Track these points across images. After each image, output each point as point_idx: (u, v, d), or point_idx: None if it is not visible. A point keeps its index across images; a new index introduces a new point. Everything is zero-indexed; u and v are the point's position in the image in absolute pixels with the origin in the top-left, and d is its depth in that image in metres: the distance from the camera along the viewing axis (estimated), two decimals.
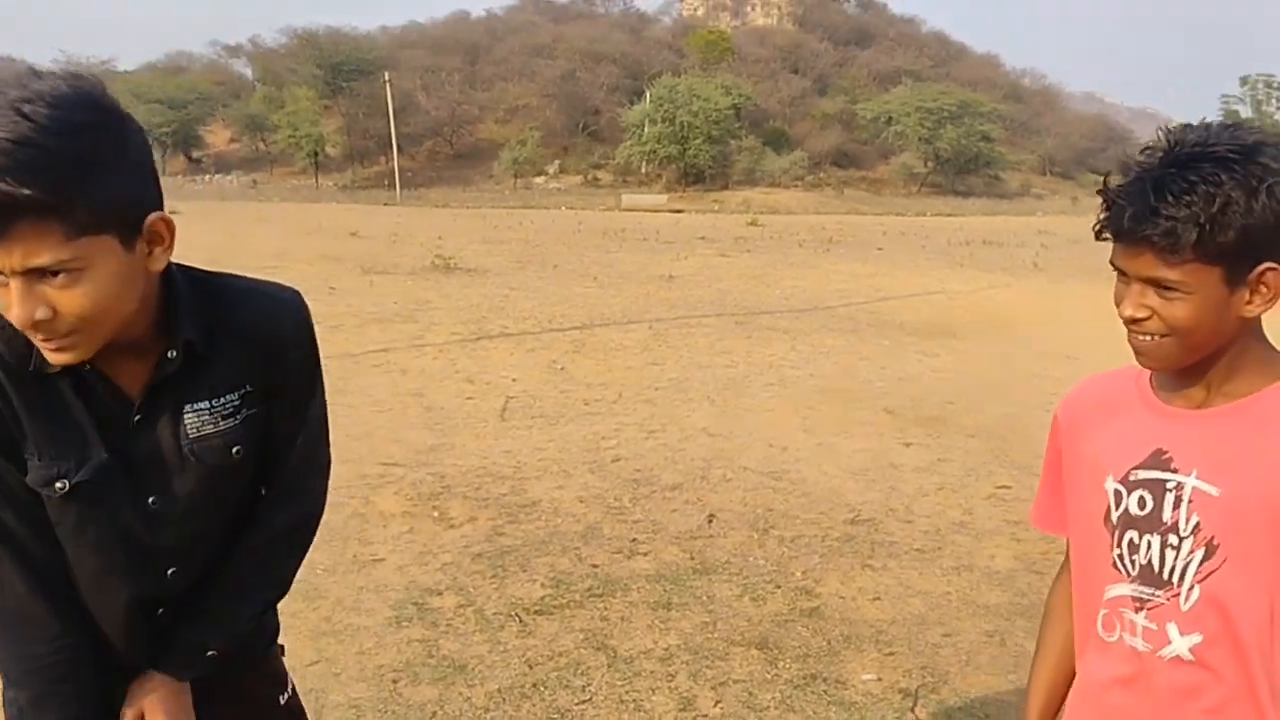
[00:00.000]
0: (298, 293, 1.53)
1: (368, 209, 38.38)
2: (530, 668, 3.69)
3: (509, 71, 68.64)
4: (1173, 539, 1.34)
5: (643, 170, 60.51)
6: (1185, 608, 1.34)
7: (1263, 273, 1.27)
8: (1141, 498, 1.38)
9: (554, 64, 67.11)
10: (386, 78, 55.85)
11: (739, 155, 56.88)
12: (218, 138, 69.18)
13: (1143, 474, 1.38)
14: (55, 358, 1.26)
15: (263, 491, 1.56)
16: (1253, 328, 1.35)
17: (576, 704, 3.45)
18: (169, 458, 1.39)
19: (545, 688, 3.55)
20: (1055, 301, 15.04)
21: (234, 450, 1.44)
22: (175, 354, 1.37)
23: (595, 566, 4.66)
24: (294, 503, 1.59)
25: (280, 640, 1.72)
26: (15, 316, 1.20)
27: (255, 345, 1.44)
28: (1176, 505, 1.35)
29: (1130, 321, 1.33)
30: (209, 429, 1.40)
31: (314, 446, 1.60)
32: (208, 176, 62.04)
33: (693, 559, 4.78)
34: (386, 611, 4.13)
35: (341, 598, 4.24)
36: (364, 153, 62.69)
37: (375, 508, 5.36)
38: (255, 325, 1.45)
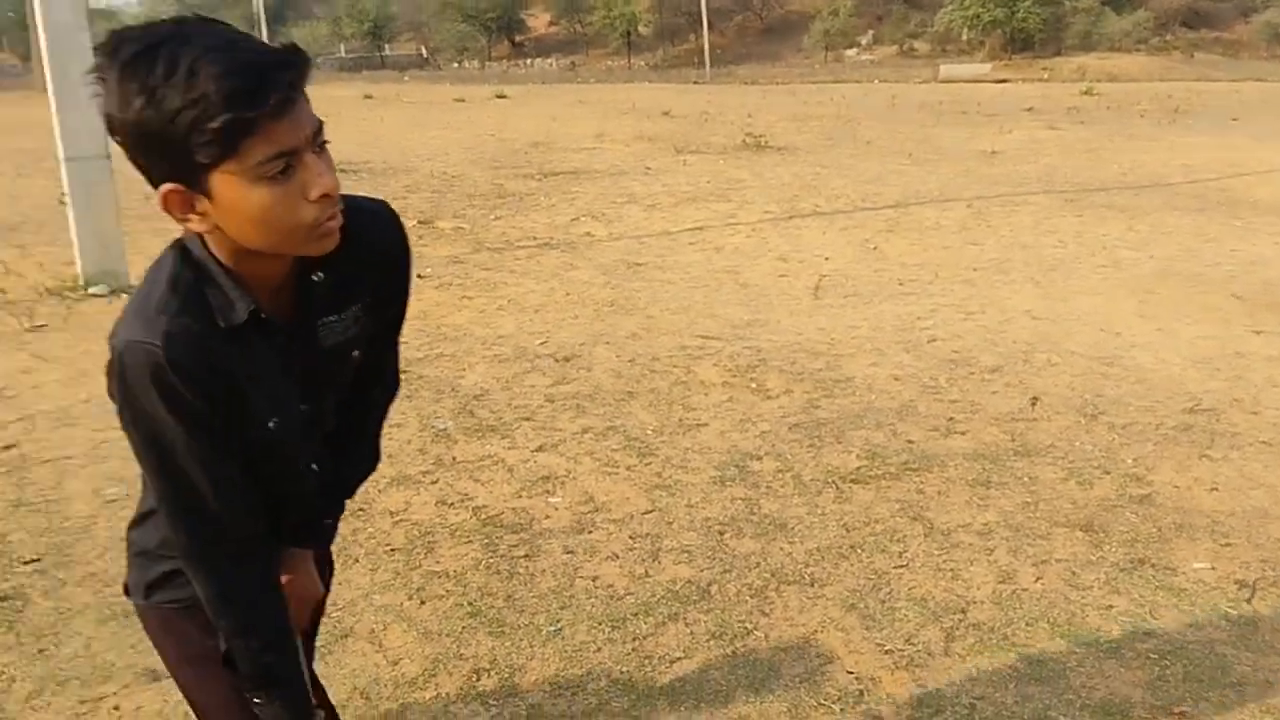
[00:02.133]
0: (388, 204, 1.57)
1: (678, 88, 38.75)
2: (847, 531, 3.84)
3: None
4: None
5: (964, 38, 56.90)
6: None
7: None
8: None
9: None
10: None
11: (1074, 17, 52.04)
12: (538, 21, 71.72)
13: None
14: (330, 241, 1.34)
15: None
16: None
17: (894, 568, 3.57)
18: (311, 368, 1.49)
19: (863, 550, 3.69)
20: None
21: (354, 354, 1.55)
22: (321, 275, 1.43)
23: (911, 442, 4.70)
24: (389, 391, 1.78)
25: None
26: (328, 182, 1.27)
27: (374, 262, 1.52)
28: None
29: None
30: (338, 338, 1.49)
31: (395, 346, 1.76)
32: (530, 60, 64.66)
33: (1013, 440, 4.71)
34: (711, 471, 4.40)
35: (670, 456, 4.56)
36: (674, 31, 62.98)
37: (696, 377, 5.64)
38: (372, 244, 1.50)
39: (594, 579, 3.52)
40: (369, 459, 1.80)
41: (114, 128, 1.22)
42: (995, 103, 27.46)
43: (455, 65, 65.59)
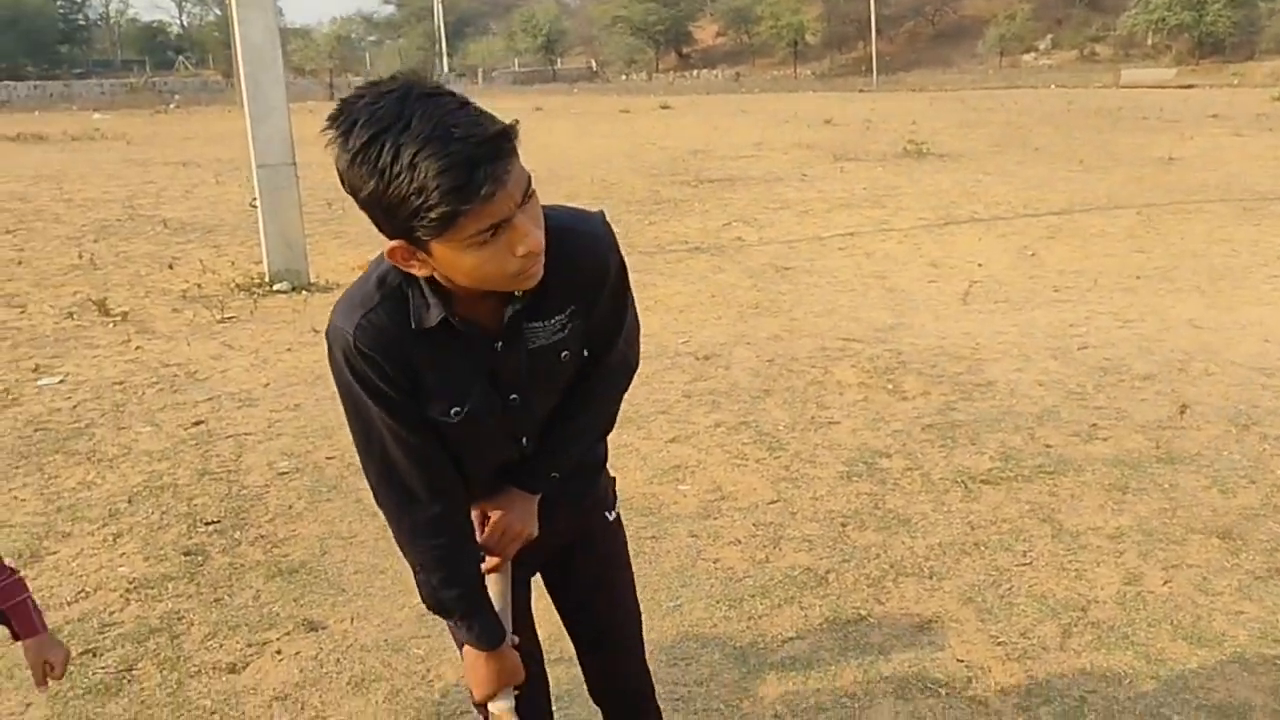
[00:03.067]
0: (603, 218, 1.70)
1: (843, 96, 38.39)
2: (972, 529, 3.86)
3: None
4: None
5: (1149, 42, 54.29)
6: None
7: None
8: None
9: None
10: None
11: (1269, 19, 48.95)
12: (705, 33, 72.25)
13: None
14: (530, 282, 1.51)
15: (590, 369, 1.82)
16: None
17: (1016, 565, 3.57)
18: (519, 367, 1.66)
19: (986, 548, 3.71)
20: None
21: (562, 355, 1.69)
22: (522, 293, 1.58)
23: (1048, 446, 4.65)
24: (618, 371, 1.86)
25: (612, 473, 2.08)
26: (534, 241, 1.43)
27: (578, 275, 1.64)
28: None
29: None
30: (543, 342, 1.66)
31: (631, 336, 1.84)
32: (695, 72, 65.19)
33: (1157, 448, 4.60)
34: (838, 466, 4.47)
35: (799, 451, 4.65)
36: (842, 39, 62.34)
37: (833, 377, 5.71)
38: (578, 258, 1.63)
39: (715, 561, 3.66)
40: (593, 429, 1.90)
41: (349, 191, 1.41)
42: (1178, 109, 26.17)
43: (623, 77, 66.76)
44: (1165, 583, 3.44)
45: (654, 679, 2.92)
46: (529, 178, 1.42)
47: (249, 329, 7.18)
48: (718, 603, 3.38)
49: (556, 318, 1.64)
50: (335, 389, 1.66)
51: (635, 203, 12.43)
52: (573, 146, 19.36)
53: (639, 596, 3.25)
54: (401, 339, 1.55)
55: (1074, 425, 4.90)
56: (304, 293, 8.29)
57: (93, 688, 3.02)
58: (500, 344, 1.62)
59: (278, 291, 8.30)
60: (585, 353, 1.77)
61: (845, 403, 5.30)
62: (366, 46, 78.05)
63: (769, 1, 61.05)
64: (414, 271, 1.49)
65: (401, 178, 1.33)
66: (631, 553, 3.69)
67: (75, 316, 7.53)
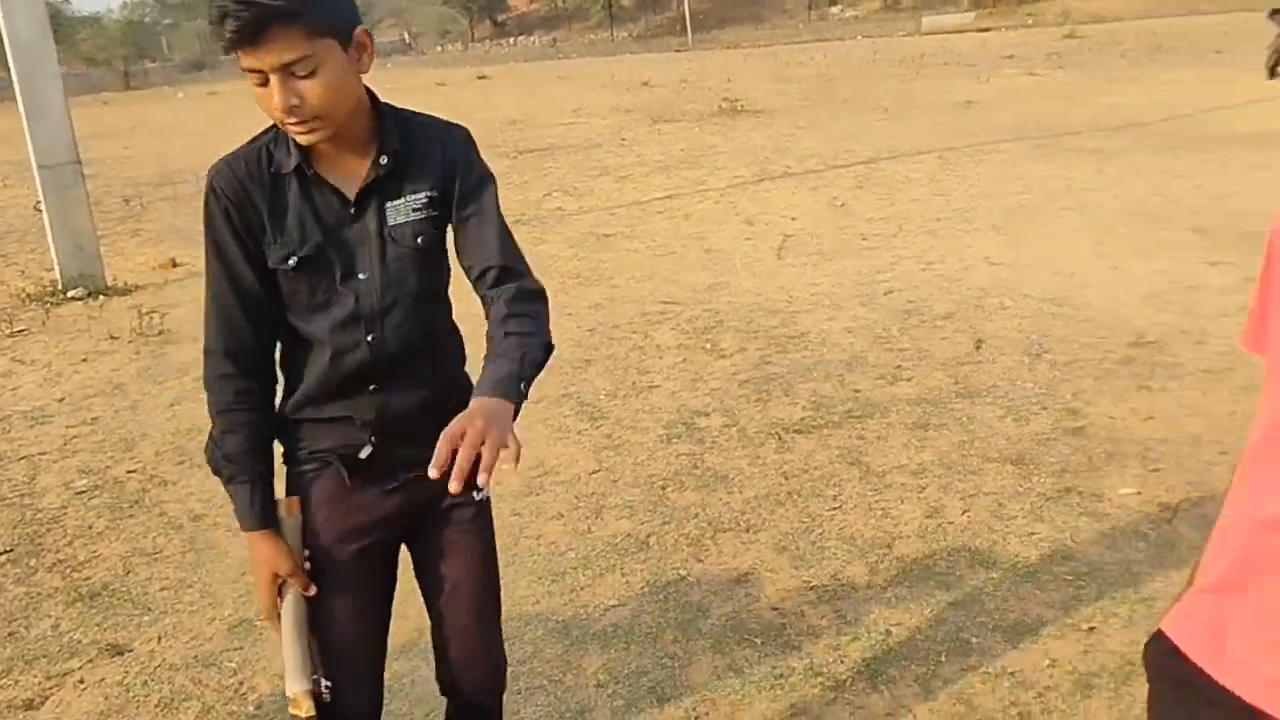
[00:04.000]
0: (467, 129, 1.88)
1: (659, 57, 38.64)
2: (786, 479, 3.98)
3: None
4: None
5: None
6: None
7: None
8: None
9: None
10: None
11: None
12: (519, 0, 71.37)
13: None
14: (304, 138, 1.67)
15: (480, 285, 1.83)
16: None
17: (827, 510, 3.71)
18: (374, 241, 1.78)
19: (799, 496, 3.83)
20: None
21: (418, 238, 1.79)
22: (386, 159, 1.76)
23: (857, 391, 4.83)
24: (516, 279, 1.82)
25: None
26: (276, 104, 1.61)
27: (438, 160, 1.81)
28: None
29: None
30: (401, 219, 1.78)
31: (503, 236, 1.84)
32: (512, 39, 64.42)
33: (957, 383, 4.84)
34: (659, 430, 4.53)
35: (621, 418, 4.69)
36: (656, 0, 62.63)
37: (653, 341, 5.77)
38: (438, 145, 1.82)
39: (538, 538, 3.66)
40: (537, 333, 1.80)
41: None
42: (976, 52, 27.42)
43: (438, 49, 65.38)
44: (964, 512, 3.63)
45: None
46: (302, 55, 1.59)
47: (41, 341, 6.74)
48: (540, 578, 3.39)
49: (412, 197, 1.78)
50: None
51: None
52: None
53: None
54: (258, 181, 1.74)
55: (880, 369, 5.10)
56: (100, 298, 7.83)
57: None
58: (354, 210, 1.76)
59: (72, 299, 7.81)
60: (471, 270, 1.82)
61: (665, 366, 5.37)
62: (163, 30, 73.89)
63: None
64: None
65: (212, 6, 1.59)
66: None
67: None
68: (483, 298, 1.83)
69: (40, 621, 3.37)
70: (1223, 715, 1.17)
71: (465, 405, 1.73)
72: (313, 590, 1.85)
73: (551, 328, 1.85)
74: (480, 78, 32.16)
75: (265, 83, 1.61)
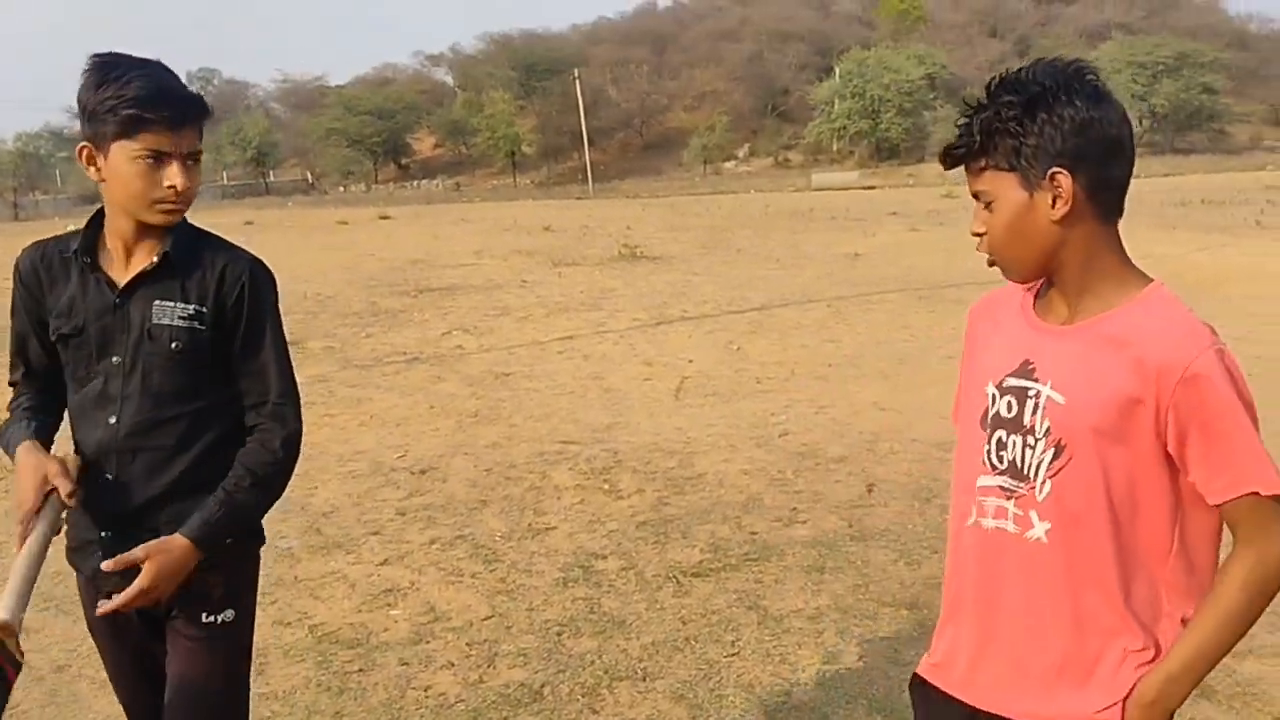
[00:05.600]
0: (262, 262, 2.03)
1: (561, 204, 39.55)
2: (684, 624, 3.91)
3: (696, 58, 69.07)
4: (1030, 439, 1.53)
5: (834, 148, 59.67)
6: (1040, 498, 1.52)
7: (1052, 176, 1.46)
8: (1009, 402, 1.56)
9: (741, 47, 67.11)
10: (576, 74, 57.27)
11: (934, 126, 55.16)
12: (423, 144, 72.76)
13: (1012, 381, 1.57)
14: (172, 219, 1.91)
15: (250, 415, 2.03)
16: (1104, 244, 1.53)
17: (725, 656, 3.65)
18: (132, 333, 1.92)
19: (697, 642, 3.76)
20: (1276, 261, 13.99)
21: (173, 344, 1.92)
22: (157, 259, 1.92)
23: (754, 534, 4.83)
24: (273, 422, 2.00)
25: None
26: (182, 182, 1.86)
27: (215, 281, 1.95)
28: (1035, 410, 1.53)
29: (976, 238, 1.57)
30: (165, 320, 1.92)
31: (273, 374, 2.01)
32: (415, 182, 65.33)
33: (851, 526, 4.88)
34: (555, 573, 4.44)
35: (516, 561, 4.59)
36: (558, 149, 64.53)
37: (551, 481, 5.72)
38: (222, 267, 1.97)
39: (426, 689, 3.51)
40: (258, 487, 1.97)
41: (79, 107, 1.85)
42: (862, 208, 28.76)
43: (341, 189, 65.83)
44: (860, 658, 3.61)
45: None
46: (199, 149, 1.91)
47: None
48: None
49: (182, 305, 1.92)
50: None
51: (352, 315, 12.15)
52: (286, 261, 18.71)
53: None
54: (51, 260, 1.98)
55: (776, 511, 5.13)
56: None
57: None
58: (118, 299, 1.92)
59: None
60: (245, 399, 2.00)
61: (562, 506, 5.30)
62: (57, 163, 72.82)
63: (485, 115, 62.40)
64: (90, 175, 1.88)
65: (117, 83, 1.81)
66: (335, 690, 3.51)
67: None
68: (249, 413, 2.02)
69: None
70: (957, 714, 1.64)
71: None
72: (74, 500, 1.86)
73: (287, 479, 2.03)
74: (383, 217, 32.36)
75: (156, 162, 1.84)
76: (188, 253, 1.95)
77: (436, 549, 4.76)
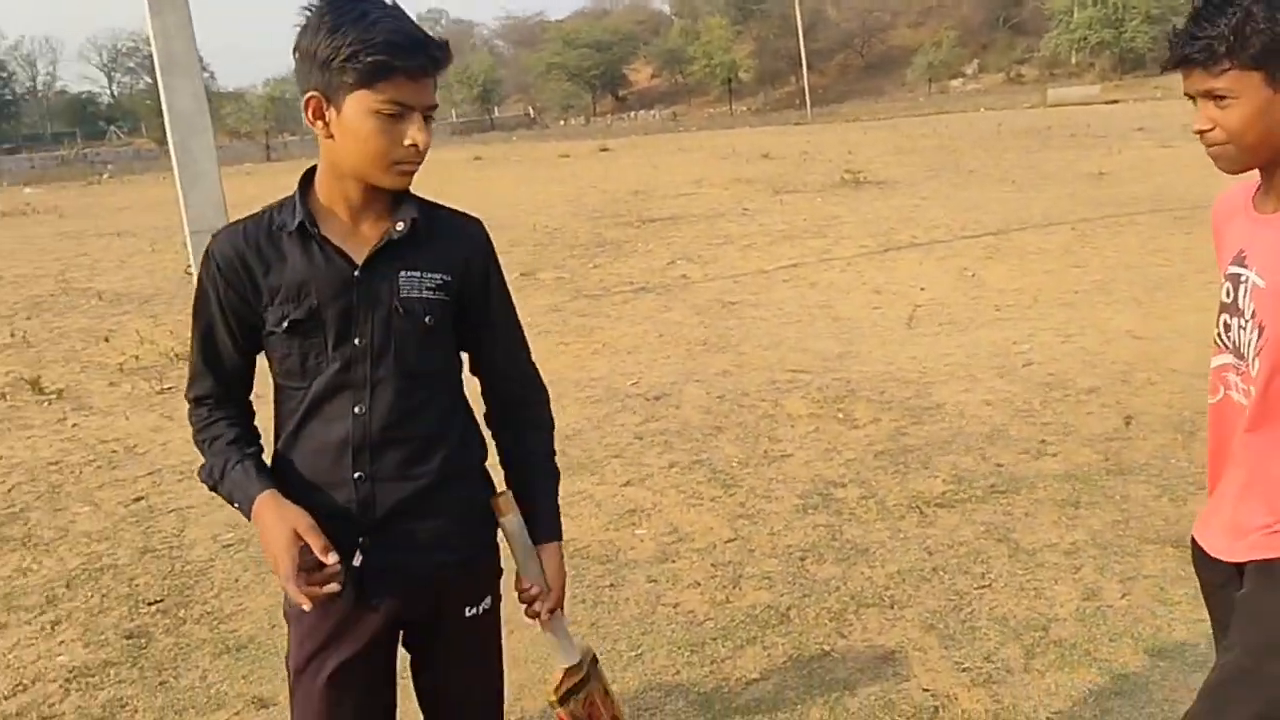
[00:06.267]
0: (483, 225, 1.86)
1: (779, 130, 38.92)
2: (929, 554, 3.84)
3: None
4: (1242, 321, 1.73)
5: (1072, 61, 55.81)
6: (1254, 374, 1.72)
7: None
8: (1228, 288, 1.77)
9: None
10: None
11: None
12: (640, 75, 73.06)
13: (1232, 269, 1.77)
14: (408, 180, 1.69)
15: (493, 398, 1.92)
16: None
17: (975, 588, 3.56)
18: (380, 308, 1.71)
19: (944, 572, 3.69)
20: None
21: (427, 318, 1.73)
22: (403, 225, 1.72)
23: (999, 465, 4.67)
24: (533, 399, 1.91)
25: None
26: (423, 139, 1.63)
27: (457, 251, 1.78)
28: (1244, 295, 1.72)
29: (1200, 136, 1.67)
30: (414, 293, 1.73)
31: (522, 351, 1.91)
32: (633, 113, 65.81)
33: (1106, 460, 4.63)
34: (794, 500, 4.45)
35: (754, 487, 4.62)
36: (775, 74, 63.34)
37: (784, 409, 5.70)
38: (458, 229, 1.82)
39: (675, 606, 3.61)
40: (544, 448, 1.92)
41: (299, 55, 1.64)
42: (1105, 124, 26.83)
43: (561, 123, 67.18)
44: (1123, 595, 3.44)
45: None
46: (436, 105, 1.68)
47: None
48: (679, 648, 3.32)
49: (430, 275, 1.73)
50: None
51: (579, 247, 12.44)
52: (513, 194, 19.38)
53: (599, 645, 3.21)
54: (255, 246, 1.71)
55: (1023, 443, 4.93)
56: None
57: None
58: (358, 273, 1.70)
59: None
60: (486, 381, 1.89)
61: (797, 435, 5.29)
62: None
63: (701, 42, 61.93)
64: (317, 130, 1.65)
65: (358, 25, 1.57)
66: (590, 602, 3.66)
67: (8, 397, 7.34)
68: (495, 409, 1.92)
69: (189, 672, 3.45)
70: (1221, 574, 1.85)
71: (470, 503, 1.83)
72: (332, 557, 1.63)
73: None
74: (603, 150, 32.83)
75: (397, 116, 1.61)
76: (427, 218, 1.76)
77: (676, 472, 4.86)
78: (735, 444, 5.22)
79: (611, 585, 3.79)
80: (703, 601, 3.62)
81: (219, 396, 1.81)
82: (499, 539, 1.85)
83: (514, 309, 1.90)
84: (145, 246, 15.76)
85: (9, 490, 5.37)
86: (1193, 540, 1.92)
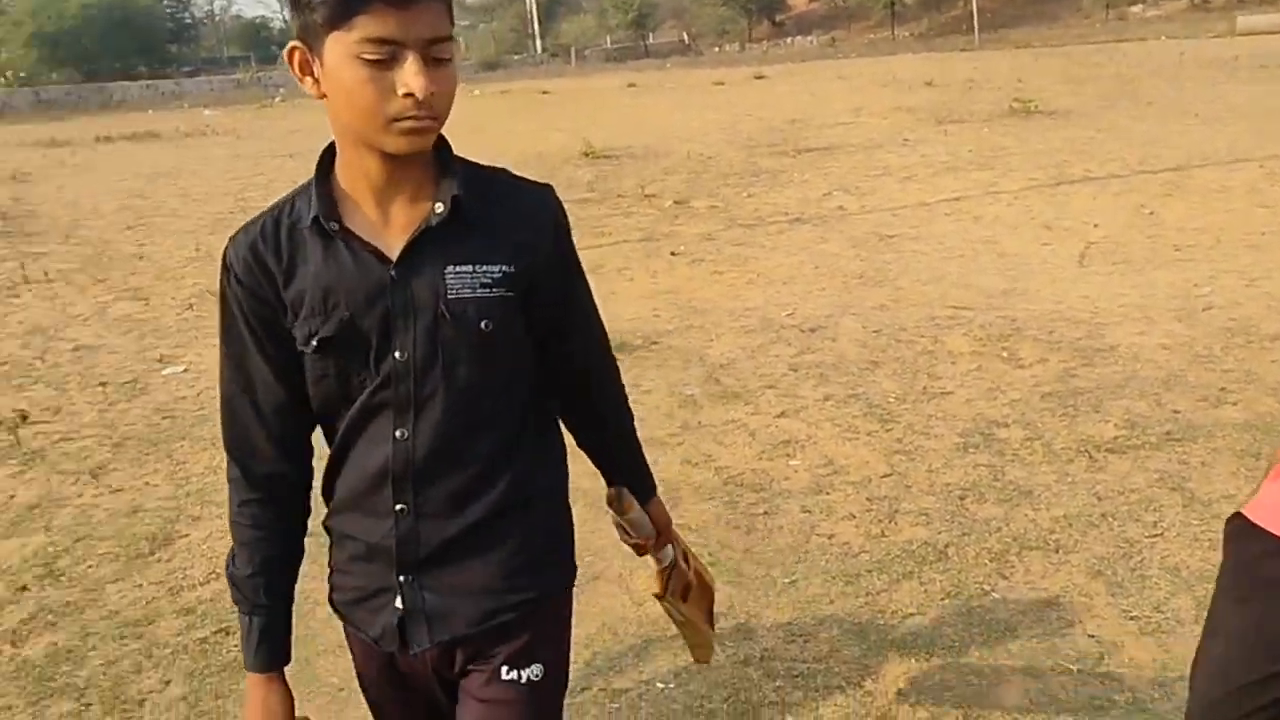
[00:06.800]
0: (554, 190, 1.51)
1: (943, 57, 37.39)
2: (1098, 499, 3.72)
3: None
4: None
5: None
6: None
7: None
8: None
9: None
10: None
11: None
12: (798, 0, 71.09)
13: None
14: (417, 141, 1.31)
15: (563, 382, 1.61)
16: None
17: (1146, 536, 3.44)
18: (422, 313, 1.38)
19: (1114, 519, 3.57)
20: None
21: (483, 321, 1.39)
22: (443, 207, 1.37)
23: (1176, 412, 4.46)
24: (611, 383, 1.67)
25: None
26: (419, 84, 1.25)
27: (523, 226, 1.44)
28: None
29: None
30: (465, 291, 1.38)
31: (594, 340, 1.62)
32: (789, 39, 64.31)
33: None
34: (954, 438, 4.36)
35: (912, 423, 4.55)
36: None
37: (944, 346, 5.57)
38: (523, 204, 1.46)
39: (830, 537, 3.61)
40: (628, 426, 1.72)
41: None
42: None
43: (716, 49, 66.21)
44: None
45: (772, 655, 2.92)
46: (448, 34, 1.29)
47: None
48: (834, 578, 3.33)
49: (486, 268, 1.38)
50: None
51: (733, 175, 12.30)
52: (667, 121, 19.24)
53: (752, 570, 3.24)
54: (276, 241, 1.39)
55: (1202, 390, 4.69)
56: None
57: (227, 665, 3.12)
58: (394, 272, 1.36)
59: None
60: (556, 367, 1.57)
61: (958, 372, 5.17)
62: (459, 32, 78.83)
63: None
64: (307, 87, 1.33)
65: None
66: (744, 528, 3.70)
67: (195, 307, 7.80)
68: (568, 394, 1.63)
69: None
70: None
71: (534, 540, 1.51)
72: None
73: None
74: (758, 77, 32.19)
75: (388, 60, 1.26)
76: (476, 193, 1.40)
77: (831, 405, 4.82)
78: (893, 379, 5.13)
79: (765, 513, 3.81)
80: (858, 534, 3.61)
81: (249, 461, 1.49)
82: (569, 593, 1.60)
83: (589, 290, 1.59)
84: (314, 168, 16.35)
85: (199, 394, 5.74)
86: (1245, 524, 1.54)
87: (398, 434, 1.41)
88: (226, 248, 1.42)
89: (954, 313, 6.20)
